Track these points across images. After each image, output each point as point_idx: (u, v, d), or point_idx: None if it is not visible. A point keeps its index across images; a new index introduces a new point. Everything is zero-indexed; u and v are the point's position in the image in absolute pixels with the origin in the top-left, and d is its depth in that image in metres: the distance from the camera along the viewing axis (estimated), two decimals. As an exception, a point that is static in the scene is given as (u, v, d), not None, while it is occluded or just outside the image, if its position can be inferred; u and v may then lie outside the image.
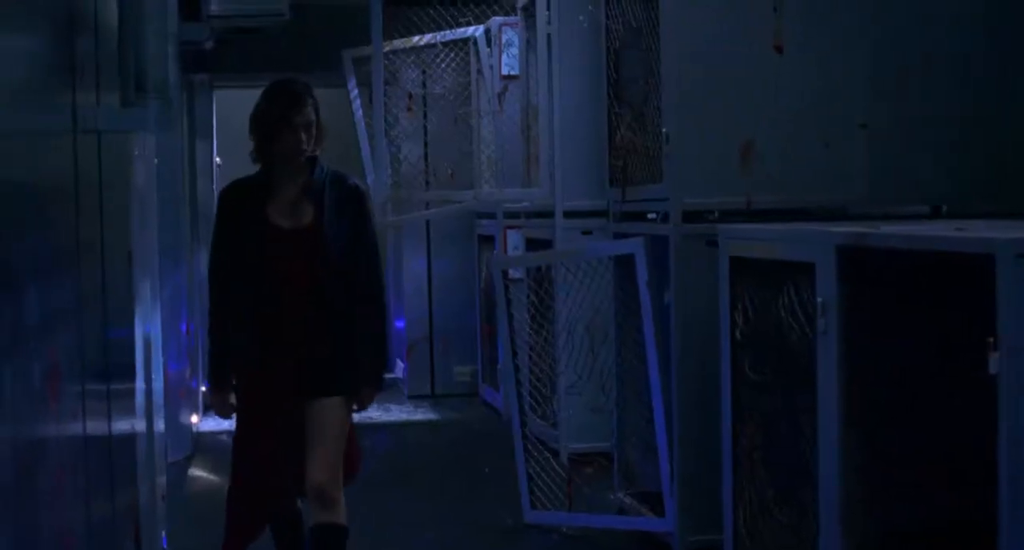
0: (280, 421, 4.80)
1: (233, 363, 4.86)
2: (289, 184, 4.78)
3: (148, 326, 5.41)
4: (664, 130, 5.58)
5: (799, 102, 5.57)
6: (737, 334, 4.87)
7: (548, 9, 7.68)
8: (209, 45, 8.71)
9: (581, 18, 7.24)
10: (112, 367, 4.05)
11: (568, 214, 7.72)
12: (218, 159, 11.24)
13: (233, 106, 10.08)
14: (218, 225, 4.88)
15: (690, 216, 5.56)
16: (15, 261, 2.55)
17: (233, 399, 4.91)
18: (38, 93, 2.88)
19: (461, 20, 8.89)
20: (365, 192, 4.95)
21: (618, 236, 6.24)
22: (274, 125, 4.70)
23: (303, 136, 4.71)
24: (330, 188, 4.80)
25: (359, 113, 9.34)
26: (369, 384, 4.92)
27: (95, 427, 3.53)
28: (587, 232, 7.70)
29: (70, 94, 3.21)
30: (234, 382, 4.90)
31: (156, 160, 5.62)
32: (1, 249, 2.35)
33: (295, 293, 4.76)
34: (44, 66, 2.98)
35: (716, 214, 5.51)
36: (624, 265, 6.11)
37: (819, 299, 4.21)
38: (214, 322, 4.95)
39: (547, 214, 8.09)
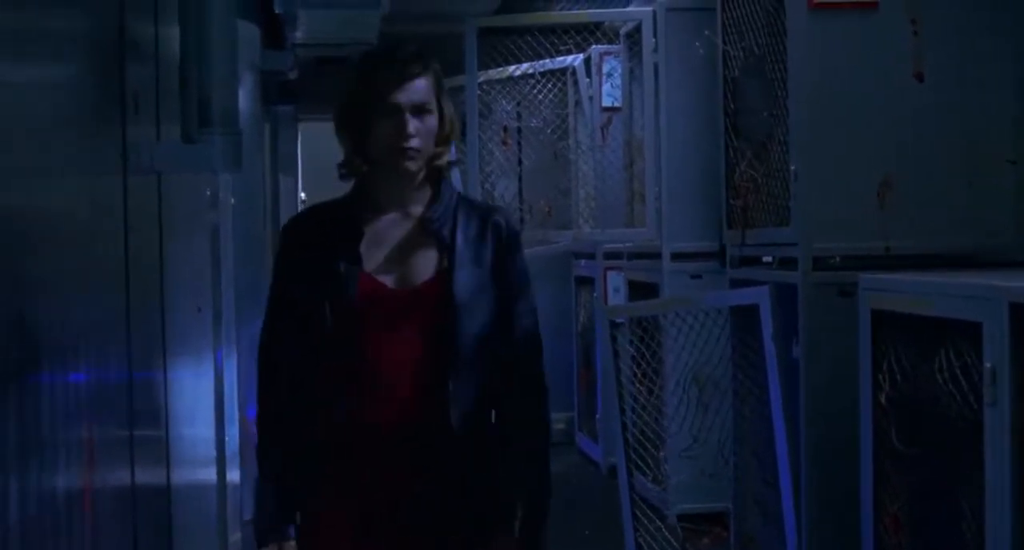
0: None
1: (299, 504, 3.15)
2: (396, 214, 3.15)
3: (225, 374, 4.95)
4: (792, 168, 5.02)
5: (941, 136, 5.00)
6: (882, 398, 4.30)
7: (655, 36, 7.17)
8: (293, 75, 8.28)
9: (697, 44, 6.70)
10: (172, 415, 3.61)
11: (675, 256, 7.19)
12: (303, 195, 10.81)
13: (319, 139, 9.62)
14: (277, 281, 3.19)
15: (819, 262, 5.00)
16: (53, 328, 2.10)
17: None
18: (73, 130, 2.40)
19: (561, 49, 8.39)
20: (519, 232, 3.29)
21: (736, 283, 5.69)
22: (368, 113, 3.07)
23: (414, 130, 3.06)
24: (464, 222, 3.17)
25: (452, 147, 8.85)
26: (524, 536, 3.19)
27: (147, 476, 3.17)
28: (696, 276, 7.15)
29: (119, 130, 2.73)
30: (299, 529, 3.16)
31: (232, 200, 5.13)
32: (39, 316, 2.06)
33: (405, 395, 3.09)
34: (84, 99, 2.51)
35: (836, 259, 4.96)
36: (743, 314, 5.55)
37: (987, 364, 3.63)
38: (266, 441, 3.17)
39: (651, 255, 7.57)
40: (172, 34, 3.19)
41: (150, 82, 3.16)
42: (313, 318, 3.10)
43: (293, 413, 3.14)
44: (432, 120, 3.10)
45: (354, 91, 3.11)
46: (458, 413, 3.10)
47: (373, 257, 3.12)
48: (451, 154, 3.25)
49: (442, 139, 3.15)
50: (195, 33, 2.93)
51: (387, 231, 3.15)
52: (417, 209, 3.17)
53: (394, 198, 3.16)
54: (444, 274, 3.12)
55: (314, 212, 3.23)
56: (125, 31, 2.79)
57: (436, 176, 3.19)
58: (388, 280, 3.11)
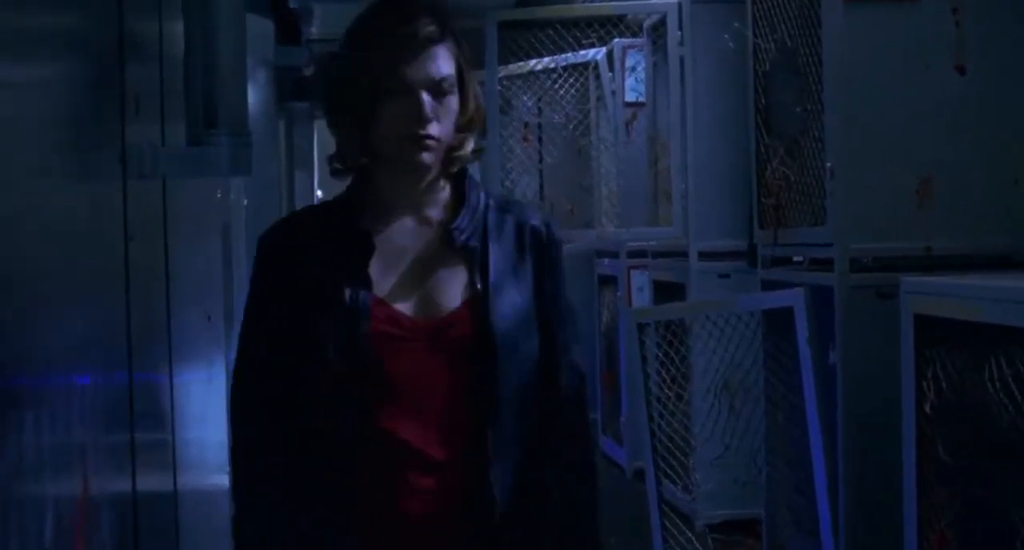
0: None
1: None
2: (410, 220, 2.54)
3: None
4: (827, 165, 4.81)
5: (984, 131, 4.79)
6: (926, 407, 4.09)
7: (680, 29, 6.96)
8: (309, 71, 8.09)
9: (726, 37, 6.49)
10: (179, 419, 3.47)
11: (703, 255, 6.98)
12: (319, 192, 10.65)
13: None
14: (253, 317, 2.51)
15: (855, 263, 4.79)
16: (44, 336, 2.01)
17: None
18: (64, 133, 2.22)
19: (583, 42, 8.18)
20: (561, 239, 2.67)
21: (767, 284, 5.47)
22: (370, 92, 2.44)
23: (432, 112, 2.44)
24: (496, 230, 2.56)
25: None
26: None
27: (153, 481, 3.02)
28: (724, 275, 6.94)
29: (117, 132, 2.54)
30: None
31: (245, 201, 4.94)
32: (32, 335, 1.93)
33: (428, 456, 2.45)
34: (78, 99, 2.32)
35: (869, 260, 4.75)
36: (776, 317, 5.34)
37: (1043, 374, 3.43)
38: (244, 522, 2.50)
39: (676, 254, 7.36)
40: (177, 30, 3.00)
41: (153, 81, 2.98)
42: (308, 368, 2.41)
43: (277, 490, 2.44)
44: (453, 100, 2.47)
45: (349, 63, 2.47)
46: (503, 486, 2.45)
47: (386, 278, 2.46)
48: (475, 142, 2.59)
49: (465, 123, 2.52)
50: (200, 28, 2.74)
51: (400, 243, 2.50)
52: (435, 213, 2.53)
53: (406, 199, 2.51)
54: (477, 300, 2.46)
55: (302, 218, 2.56)
56: (124, 27, 2.60)
57: (457, 171, 2.57)
58: (406, 308, 2.45)
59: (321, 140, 10.82)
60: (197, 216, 3.70)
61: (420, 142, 2.44)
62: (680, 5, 7.04)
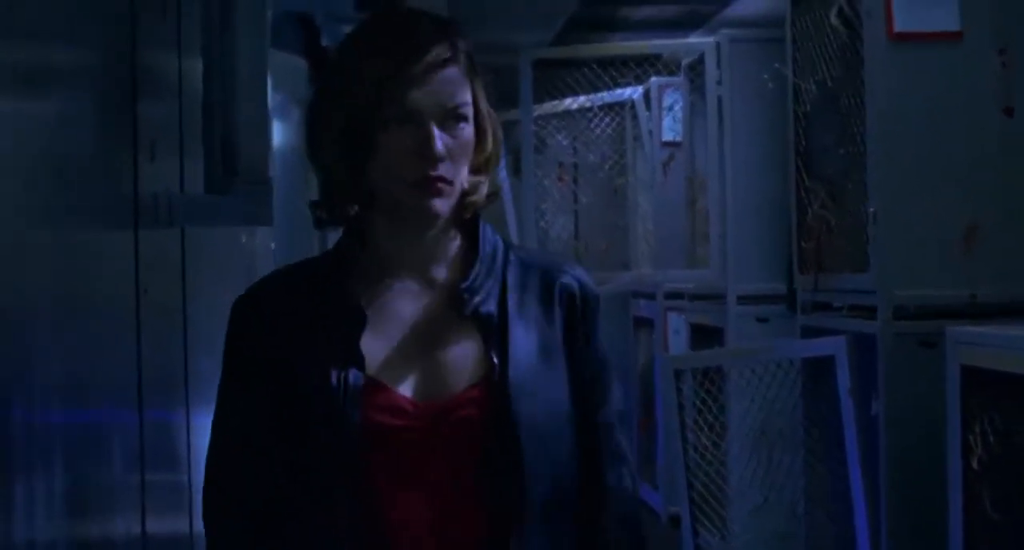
0: None
1: None
2: (412, 281, 2.08)
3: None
4: (870, 210, 4.68)
5: (1035, 175, 4.65)
6: (973, 462, 3.95)
7: (719, 67, 6.85)
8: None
9: (765, 77, 6.37)
10: (196, 461, 3.36)
11: (741, 299, 6.84)
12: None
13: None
14: (227, 398, 2.10)
15: (899, 310, 4.65)
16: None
17: None
18: (70, 180, 2.12)
19: (619, 81, 8.07)
20: (599, 295, 2.16)
21: (807, 330, 5.34)
22: (367, 123, 1.99)
23: (444, 148, 1.99)
24: (518, 290, 2.08)
25: (506, 183, 8.57)
26: None
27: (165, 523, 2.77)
28: (763, 320, 6.80)
29: (130, 179, 2.44)
30: None
31: (273, 244, 4.84)
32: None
33: None
34: (86, 144, 2.22)
35: (912, 308, 4.60)
36: (816, 364, 5.21)
37: (1098, 432, 3.29)
38: None
39: (714, 297, 7.23)
40: (198, 68, 2.90)
41: (172, 125, 2.88)
42: (288, 466, 2.01)
43: None
44: (468, 131, 2.02)
45: (342, 84, 2.01)
46: None
47: (381, 354, 2.01)
48: (491, 183, 2.14)
49: (482, 163, 2.08)
50: (219, 71, 2.63)
51: (400, 309, 2.05)
52: (441, 272, 2.07)
53: (407, 255, 2.06)
54: (495, 379, 2.00)
55: (281, 281, 2.11)
56: (137, 67, 2.50)
57: (469, 219, 2.10)
58: (407, 390, 2.00)
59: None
60: (220, 261, 3.59)
61: (430, 186, 1.98)
62: (718, 44, 6.93)
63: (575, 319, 2.10)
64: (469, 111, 2.02)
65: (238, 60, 2.56)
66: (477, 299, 2.04)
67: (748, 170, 6.87)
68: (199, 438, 3.39)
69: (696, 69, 7.38)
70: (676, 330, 8.24)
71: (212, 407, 2.14)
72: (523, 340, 2.03)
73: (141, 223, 2.48)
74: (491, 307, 2.04)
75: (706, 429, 7.08)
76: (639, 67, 8.08)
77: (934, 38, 4.61)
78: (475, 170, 2.07)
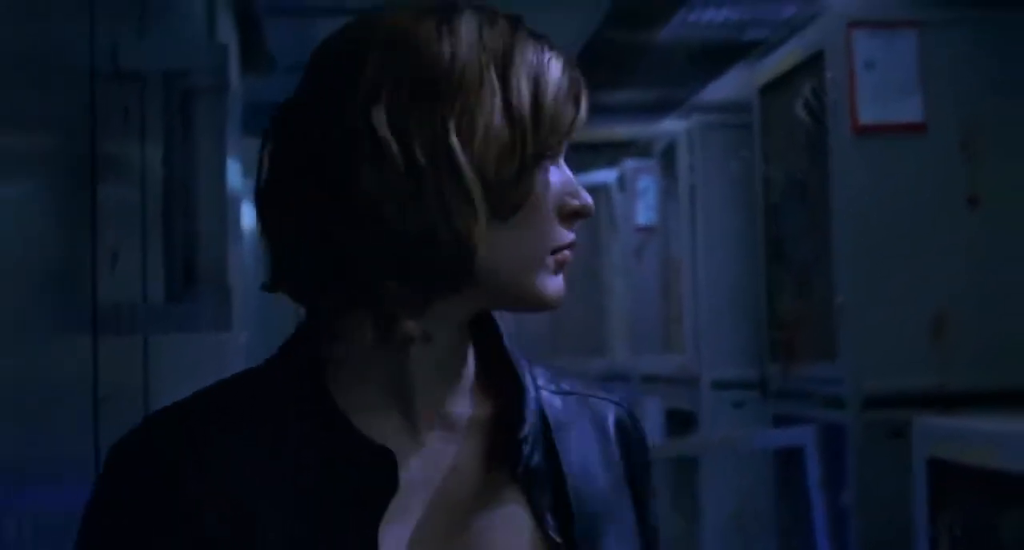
0: None
1: None
2: (430, 420, 1.36)
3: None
4: (838, 300, 4.70)
5: (1000, 263, 4.68)
6: (942, 556, 3.96)
7: (691, 153, 6.90)
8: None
9: (734, 164, 6.42)
10: None
11: (716, 384, 6.85)
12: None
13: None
14: None
15: (869, 400, 4.67)
16: None
17: None
18: (27, 288, 2.12)
19: (593, 164, 8.12)
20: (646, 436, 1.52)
21: (779, 418, 5.35)
22: (519, 154, 1.29)
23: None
24: (563, 428, 1.42)
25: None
26: None
27: None
28: (738, 405, 6.81)
29: (87, 284, 2.44)
30: None
31: (244, 336, 4.85)
32: None
33: None
34: (45, 247, 2.23)
35: (882, 397, 4.62)
36: (787, 451, 5.21)
37: (1062, 528, 3.30)
38: None
39: (689, 381, 7.23)
40: (159, 178, 2.91)
41: (134, 228, 2.88)
42: None
43: None
44: None
45: (426, 101, 1.28)
46: None
47: (402, 544, 1.32)
48: None
49: None
50: (179, 181, 2.65)
51: (410, 467, 1.34)
52: (461, 403, 1.39)
53: (421, 377, 1.35)
54: None
55: (213, 418, 1.33)
56: (97, 161, 2.50)
57: (488, 326, 1.43)
58: None
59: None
60: (187, 366, 3.59)
61: (569, 256, 1.40)
62: (690, 131, 6.99)
63: (635, 467, 1.49)
64: None
65: (198, 172, 2.58)
66: (527, 450, 1.38)
67: (722, 255, 6.90)
68: None
69: (669, 154, 7.44)
70: (651, 415, 8.24)
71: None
72: (588, 505, 1.42)
73: (101, 330, 2.48)
74: (539, 458, 1.40)
75: (679, 517, 7.07)
76: (613, 150, 8.14)
77: (898, 130, 4.66)
78: None
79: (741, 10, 5.44)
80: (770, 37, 5.60)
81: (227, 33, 4.66)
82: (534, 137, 1.30)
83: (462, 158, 1.26)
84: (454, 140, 1.26)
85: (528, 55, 1.32)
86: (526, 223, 1.32)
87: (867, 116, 4.64)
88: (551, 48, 1.35)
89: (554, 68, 1.33)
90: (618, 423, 1.49)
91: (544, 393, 1.44)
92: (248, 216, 6.00)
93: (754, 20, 5.53)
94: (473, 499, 1.36)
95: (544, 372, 1.47)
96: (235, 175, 4.72)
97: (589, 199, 1.37)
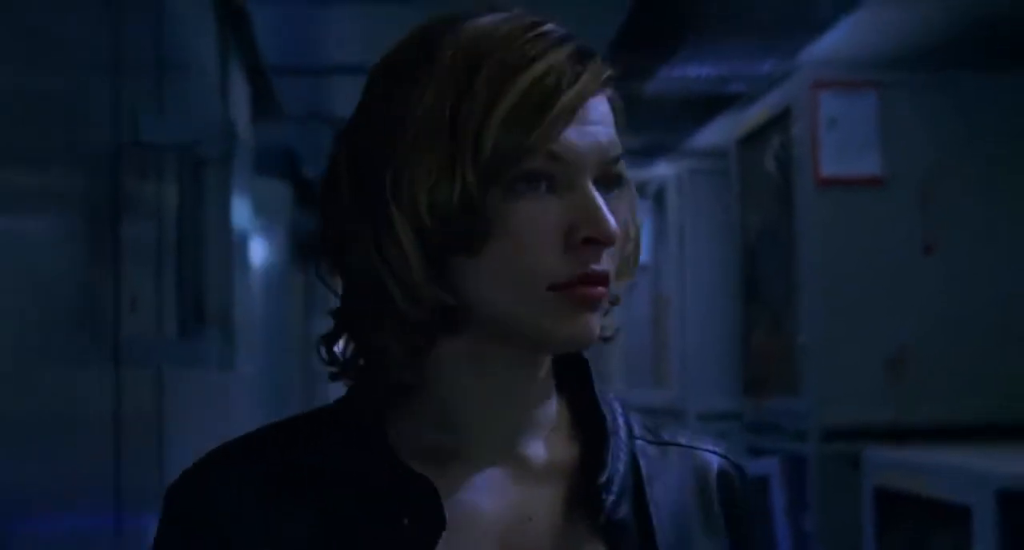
0: None
1: None
2: (497, 464, 1.27)
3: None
4: (800, 339, 5.05)
5: (955, 308, 5.01)
6: (887, 579, 4.29)
7: (679, 196, 7.24)
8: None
9: (717, 208, 6.77)
10: None
11: (701, 416, 7.18)
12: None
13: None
14: None
15: (831, 434, 5.01)
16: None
17: None
18: (52, 325, 2.45)
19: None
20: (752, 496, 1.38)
21: (752, 451, 5.68)
22: (489, 180, 1.17)
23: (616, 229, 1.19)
24: (656, 480, 1.32)
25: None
26: None
27: None
28: (722, 437, 7.11)
29: (109, 321, 2.80)
30: None
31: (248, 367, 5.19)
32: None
33: None
34: (71, 286, 2.55)
35: (840, 432, 4.93)
36: (759, 482, 5.54)
37: (979, 550, 3.62)
38: None
39: (678, 413, 7.55)
40: (173, 230, 3.25)
41: (150, 275, 3.23)
42: None
43: None
44: (627, 202, 1.28)
45: (428, 117, 1.19)
46: None
47: None
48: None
49: (627, 257, 1.30)
50: (191, 235, 3.02)
51: (478, 513, 1.26)
52: (537, 447, 1.30)
53: (490, 419, 1.28)
54: None
55: (263, 458, 1.28)
56: (120, 214, 2.85)
57: (569, 360, 1.35)
58: None
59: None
60: (198, 399, 3.90)
61: (589, 290, 1.22)
62: (679, 176, 7.32)
63: (736, 520, 1.36)
64: (625, 171, 1.27)
65: (206, 228, 2.95)
66: (611, 499, 1.28)
67: (709, 293, 7.20)
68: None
69: (660, 196, 7.77)
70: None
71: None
72: None
73: (120, 362, 2.83)
74: (627, 510, 1.29)
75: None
76: (608, 192, 8.42)
77: (858, 182, 5.00)
78: (621, 273, 1.30)
79: (720, 66, 5.76)
80: (750, 91, 5.94)
81: (239, 87, 5.03)
82: (473, 162, 1.17)
83: (388, 194, 1.18)
84: (387, 180, 1.19)
85: (493, 69, 1.17)
86: (502, 256, 1.19)
87: (829, 169, 4.99)
88: (546, 48, 1.20)
89: (521, 81, 1.17)
90: (720, 474, 1.37)
91: (639, 442, 1.34)
92: (257, 251, 6.33)
93: (733, 75, 5.85)
94: (543, 543, 1.27)
95: (643, 420, 1.38)
96: (244, 214, 5.07)
97: (605, 224, 1.19)
